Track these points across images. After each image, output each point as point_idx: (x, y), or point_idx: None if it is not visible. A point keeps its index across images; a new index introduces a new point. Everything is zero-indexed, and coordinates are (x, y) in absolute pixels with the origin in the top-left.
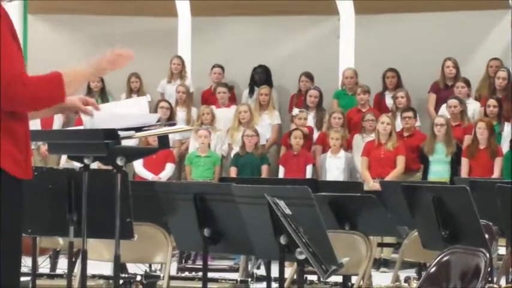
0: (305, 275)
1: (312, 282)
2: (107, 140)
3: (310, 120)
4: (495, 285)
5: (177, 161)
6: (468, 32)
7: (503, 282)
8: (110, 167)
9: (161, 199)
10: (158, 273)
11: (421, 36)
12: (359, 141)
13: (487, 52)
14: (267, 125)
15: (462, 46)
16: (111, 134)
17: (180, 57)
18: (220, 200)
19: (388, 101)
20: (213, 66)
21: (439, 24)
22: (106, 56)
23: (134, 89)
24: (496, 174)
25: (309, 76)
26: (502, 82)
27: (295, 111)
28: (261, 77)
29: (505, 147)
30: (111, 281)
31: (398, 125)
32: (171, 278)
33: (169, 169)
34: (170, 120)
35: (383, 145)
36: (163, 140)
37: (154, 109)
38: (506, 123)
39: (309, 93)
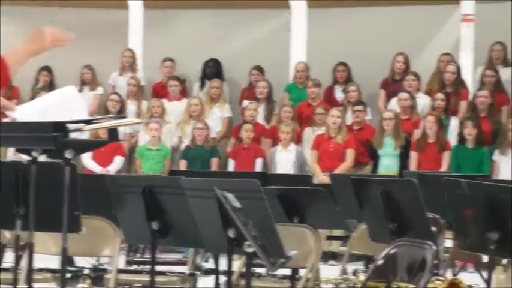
0: (253, 268)
1: (260, 275)
2: (55, 133)
3: (261, 113)
4: (441, 278)
5: (127, 154)
6: (419, 27)
7: (449, 274)
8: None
9: (110, 192)
10: (106, 266)
11: (372, 30)
12: (310, 135)
13: (438, 47)
14: (217, 118)
15: (413, 41)
16: (60, 127)
17: (131, 50)
18: (169, 193)
19: (338, 94)
20: (164, 60)
21: (390, 18)
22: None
23: (86, 80)
24: (444, 167)
25: (260, 69)
26: (451, 76)
27: (245, 103)
28: (212, 70)
29: (452, 141)
30: (58, 275)
31: (350, 119)
32: (119, 271)
33: (118, 162)
34: (120, 113)
35: (332, 138)
36: (112, 132)
37: (104, 102)
38: (453, 117)
39: (258, 85)
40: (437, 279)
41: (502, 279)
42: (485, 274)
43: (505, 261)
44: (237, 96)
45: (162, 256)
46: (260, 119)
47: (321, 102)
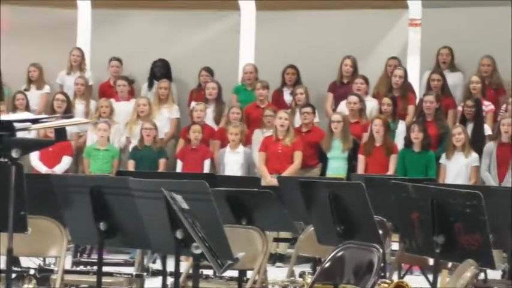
0: (201, 270)
1: (207, 276)
2: (1, 132)
3: (210, 114)
4: (387, 280)
5: (75, 154)
6: (367, 31)
7: (395, 277)
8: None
9: (57, 192)
10: (52, 267)
11: (321, 33)
12: (259, 137)
13: (386, 51)
14: (165, 118)
15: (361, 44)
16: (6, 126)
17: (79, 49)
18: (117, 193)
19: (287, 97)
20: (111, 59)
21: (339, 22)
22: None
23: (32, 78)
24: (390, 171)
25: (209, 71)
26: (399, 80)
27: (193, 104)
28: (161, 70)
29: (399, 145)
30: (3, 275)
31: (298, 121)
32: (66, 272)
33: (65, 162)
34: (67, 112)
35: (280, 140)
36: (60, 132)
37: (51, 101)
38: (400, 121)
39: (207, 86)
40: (384, 282)
41: (447, 282)
42: (431, 277)
43: (450, 264)
44: (185, 97)
45: (109, 257)
46: (209, 120)
47: (270, 104)
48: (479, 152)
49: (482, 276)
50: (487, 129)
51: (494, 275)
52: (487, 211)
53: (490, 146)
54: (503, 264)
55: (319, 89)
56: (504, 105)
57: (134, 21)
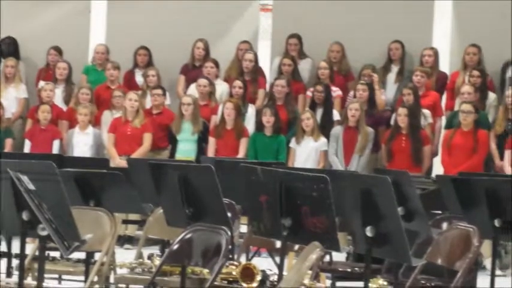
0: (47, 252)
1: (54, 258)
2: None
3: (60, 95)
4: (235, 262)
5: None
6: (220, 14)
7: (243, 259)
8: None
9: None
10: None
11: (174, 15)
12: (108, 118)
13: (238, 35)
14: (12, 98)
15: (213, 28)
16: None
17: None
18: None
19: (138, 78)
20: None
21: (192, 4)
22: None
23: None
24: (241, 154)
25: (58, 50)
26: (249, 64)
27: (42, 83)
28: (8, 48)
29: (249, 128)
30: None
31: (150, 103)
32: None
33: None
34: None
35: (130, 122)
36: None
37: None
38: (250, 105)
39: (58, 66)
40: (231, 264)
41: (293, 264)
42: (278, 259)
43: (296, 246)
44: (34, 76)
45: None
46: (58, 100)
47: (120, 86)
48: (328, 137)
49: (327, 258)
50: (336, 115)
51: (339, 257)
52: (333, 195)
53: (336, 130)
54: (348, 247)
55: (172, 72)
56: (352, 92)
57: None
